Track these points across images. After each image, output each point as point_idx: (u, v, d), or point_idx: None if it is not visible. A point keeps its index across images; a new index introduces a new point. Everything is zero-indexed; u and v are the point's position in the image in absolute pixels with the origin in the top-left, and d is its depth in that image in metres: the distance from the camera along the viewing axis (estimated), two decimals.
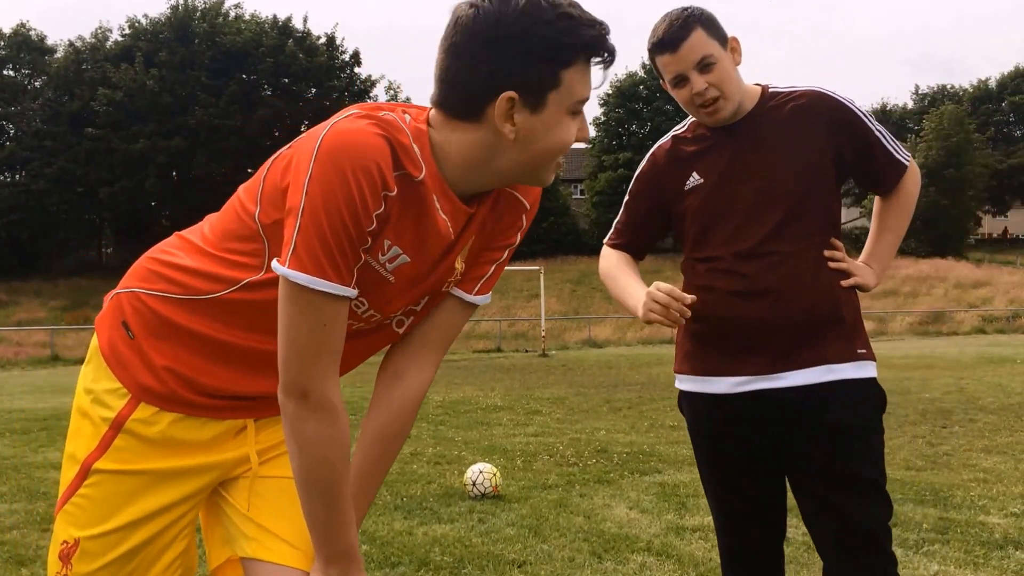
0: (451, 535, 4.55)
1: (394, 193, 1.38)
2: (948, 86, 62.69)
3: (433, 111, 1.47)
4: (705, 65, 2.13)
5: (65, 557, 1.60)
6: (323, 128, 1.38)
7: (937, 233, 45.92)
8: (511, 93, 1.36)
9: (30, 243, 46.42)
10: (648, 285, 2.25)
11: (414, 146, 1.42)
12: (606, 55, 1.40)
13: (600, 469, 6.42)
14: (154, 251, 1.66)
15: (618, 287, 2.39)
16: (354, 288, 1.40)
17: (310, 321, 1.38)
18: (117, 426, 1.58)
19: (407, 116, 1.46)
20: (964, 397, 10.83)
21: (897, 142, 2.28)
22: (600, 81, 1.43)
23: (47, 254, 47.99)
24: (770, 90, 2.25)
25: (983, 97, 58.88)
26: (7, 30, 49.19)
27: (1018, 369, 15.29)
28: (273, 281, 1.44)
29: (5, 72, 49.03)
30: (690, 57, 2.12)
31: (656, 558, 4.10)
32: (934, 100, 58.69)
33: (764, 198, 2.16)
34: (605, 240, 2.53)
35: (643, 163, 2.40)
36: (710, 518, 4.80)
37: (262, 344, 1.53)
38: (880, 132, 2.24)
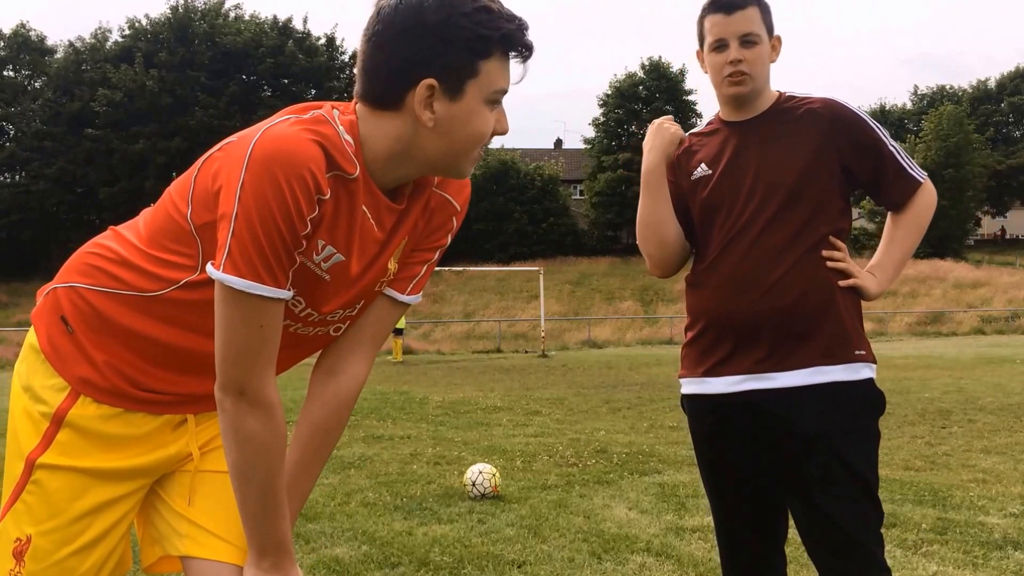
0: (451, 535, 4.56)
1: (327, 197, 1.41)
2: (947, 86, 62.71)
3: (358, 104, 1.50)
4: (748, 41, 2.20)
5: (18, 555, 1.60)
6: (254, 133, 1.39)
7: (936, 233, 45.94)
8: (431, 80, 1.41)
9: (31, 244, 46.39)
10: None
11: (347, 140, 1.44)
12: (523, 49, 1.44)
13: (599, 469, 6.43)
14: (91, 246, 1.65)
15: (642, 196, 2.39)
16: (289, 289, 1.43)
17: (246, 323, 1.40)
18: (58, 420, 1.58)
19: (336, 112, 1.48)
20: (963, 397, 10.84)
21: (911, 159, 2.28)
22: (520, 76, 1.48)
23: (47, 255, 47.96)
24: (786, 94, 2.30)
25: (982, 98, 58.89)
26: (7, 30, 49.19)
27: (1017, 369, 15.31)
28: (209, 281, 1.46)
29: (5, 72, 49.00)
30: (738, 27, 2.20)
31: (656, 558, 4.10)
32: (933, 101, 58.67)
33: (761, 191, 2.19)
34: None
35: None
36: (710, 518, 4.79)
37: (200, 345, 1.54)
38: (894, 147, 2.25)
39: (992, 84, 60.06)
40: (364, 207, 1.49)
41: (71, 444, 1.59)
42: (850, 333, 2.18)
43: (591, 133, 52.15)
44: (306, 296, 1.51)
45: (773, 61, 2.28)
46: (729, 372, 2.21)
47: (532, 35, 1.46)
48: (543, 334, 26.30)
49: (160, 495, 1.70)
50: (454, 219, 1.66)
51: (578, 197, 54.56)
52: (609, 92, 51.32)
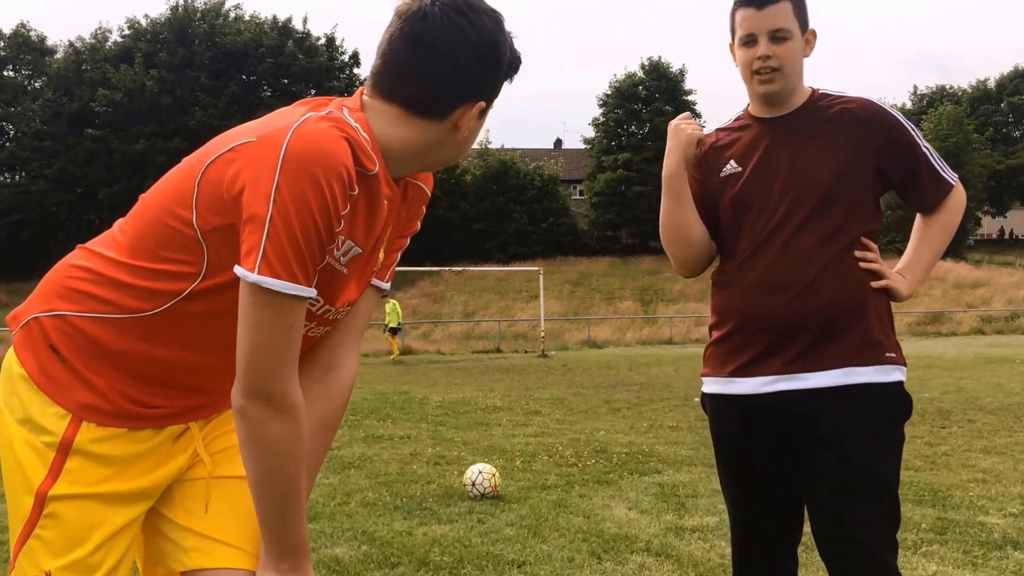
0: (451, 535, 4.56)
1: (356, 193, 1.41)
2: (947, 86, 62.64)
3: (377, 101, 1.50)
4: (778, 36, 2.15)
5: None
6: (283, 133, 1.37)
7: None
8: (483, 103, 1.50)
9: (30, 244, 46.35)
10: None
11: (364, 137, 1.46)
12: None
13: (599, 469, 6.43)
14: (66, 268, 1.58)
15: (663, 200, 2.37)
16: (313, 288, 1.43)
17: (277, 324, 1.38)
18: (65, 448, 1.53)
19: (345, 109, 1.49)
20: (963, 397, 10.84)
21: (943, 161, 2.24)
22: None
23: (47, 255, 47.92)
24: (820, 91, 2.26)
25: (982, 98, 58.83)
26: (7, 30, 49.17)
27: (1017, 369, 15.31)
28: (214, 289, 1.44)
29: (5, 72, 48.99)
30: (769, 22, 2.15)
31: (655, 558, 4.11)
32: (932, 101, 58.60)
33: (794, 192, 2.15)
34: None
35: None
36: (709, 518, 4.82)
37: (200, 359, 1.52)
38: (927, 149, 2.22)
39: (992, 84, 60.00)
40: (386, 200, 1.52)
41: (81, 471, 1.54)
42: (881, 335, 2.16)
43: (591, 133, 52.18)
44: (325, 293, 1.50)
45: (807, 56, 2.22)
46: (759, 373, 2.18)
47: (522, 39, 1.56)
48: (543, 334, 26.31)
49: (161, 512, 1.67)
50: (424, 206, 1.71)
51: (578, 197, 54.56)
52: (609, 92, 51.29)
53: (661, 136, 2.51)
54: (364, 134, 1.45)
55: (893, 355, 2.16)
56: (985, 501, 5.16)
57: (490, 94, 1.51)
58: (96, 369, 1.53)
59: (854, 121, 2.17)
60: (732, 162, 2.26)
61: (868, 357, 2.13)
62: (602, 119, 51.23)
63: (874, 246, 2.21)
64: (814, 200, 2.14)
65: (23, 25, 49.61)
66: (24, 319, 1.58)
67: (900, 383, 2.17)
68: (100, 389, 1.53)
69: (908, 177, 2.23)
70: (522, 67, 1.55)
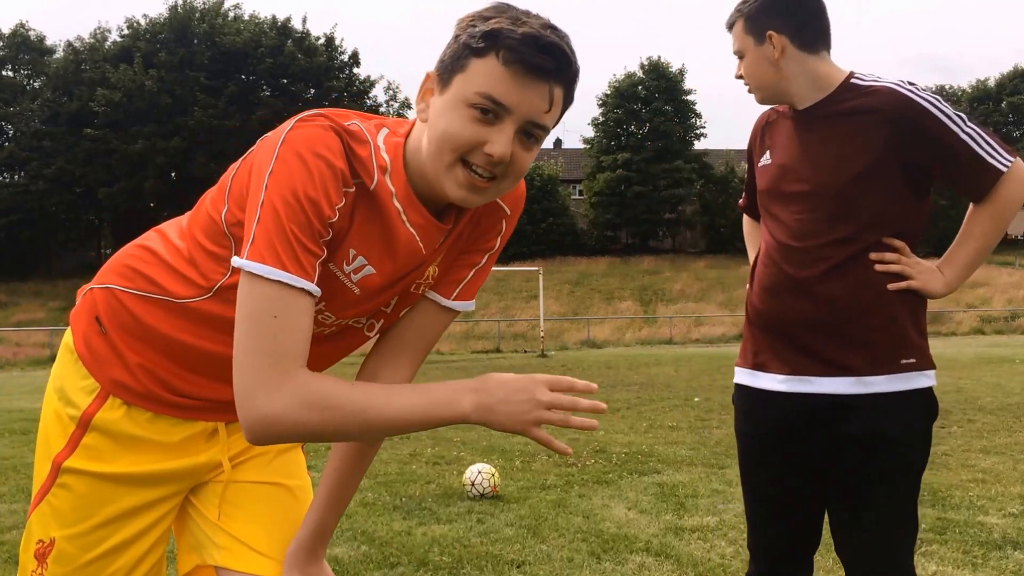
0: (450, 535, 4.56)
1: (352, 191, 1.36)
2: (947, 86, 62.65)
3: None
4: (738, 56, 2.23)
5: (40, 556, 1.60)
6: (285, 127, 1.37)
7: (936, 233, 45.93)
8: (431, 71, 1.38)
9: (29, 244, 46.40)
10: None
11: (382, 156, 1.39)
12: (522, 56, 1.28)
13: (599, 469, 6.42)
14: (132, 247, 1.63)
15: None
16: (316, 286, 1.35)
17: (262, 315, 1.28)
18: (84, 424, 1.58)
19: (384, 130, 1.43)
20: (962, 397, 10.84)
21: (994, 143, 2.05)
22: (549, 103, 1.32)
23: (46, 255, 47.99)
24: (852, 80, 2.12)
25: (982, 98, 58.85)
26: (6, 30, 49.23)
27: (1016, 369, 15.32)
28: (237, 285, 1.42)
29: (4, 72, 49.02)
30: (733, 46, 2.24)
31: (655, 558, 4.10)
32: None
33: (810, 195, 2.10)
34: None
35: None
36: (708, 518, 4.83)
37: (229, 353, 1.48)
38: (969, 135, 2.03)
39: (992, 84, 60.01)
40: (411, 228, 1.42)
41: (97, 448, 1.58)
42: (900, 339, 2.07)
43: (590, 133, 52.20)
44: (329, 304, 1.44)
45: (779, 57, 2.12)
46: (775, 370, 2.17)
47: (560, 55, 1.30)
48: (542, 334, 26.30)
49: (195, 504, 1.69)
50: (503, 221, 1.57)
51: (577, 197, 54.58)
52: (608, 92, 51.29)
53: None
54: (384, 155, 1.39)
55: (911, 361, 2.07)
56: (985, 501, 5.16)
57: (439, 63, 1.36)
58: (132, 346, 1.56)
59: (875, 117, 2.03)
60: (768, 153, 2.24)
61: (881, 364, 2.06)
62: (602, 119, 51.24)
63: (900, 244, 2.08)
64: (830, 204, 2.07)
65: (22, 25, 49.69)
66: (84, 291, 1.65)
67: (919, 391, 2.08)
68: (131, 367, 1.55)
69: (946, 168, 2.06)
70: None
